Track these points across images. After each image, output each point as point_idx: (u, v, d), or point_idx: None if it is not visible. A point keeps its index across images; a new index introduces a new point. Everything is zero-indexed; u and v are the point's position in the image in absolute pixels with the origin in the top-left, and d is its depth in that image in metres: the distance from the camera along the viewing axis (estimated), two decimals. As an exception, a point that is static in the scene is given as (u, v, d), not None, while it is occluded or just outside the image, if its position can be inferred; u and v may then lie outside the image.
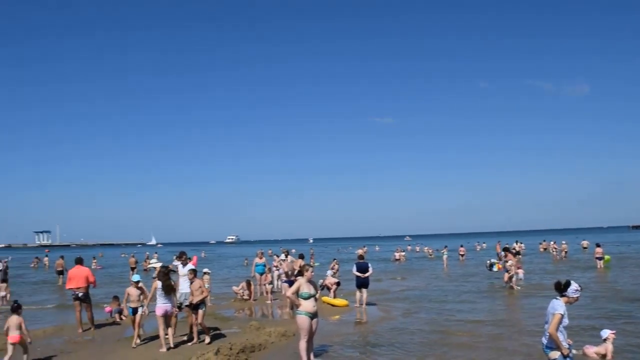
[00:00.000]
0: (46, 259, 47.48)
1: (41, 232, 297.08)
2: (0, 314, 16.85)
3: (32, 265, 46.57)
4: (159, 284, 10.63)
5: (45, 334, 12.87)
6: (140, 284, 11.66)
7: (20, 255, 78.47)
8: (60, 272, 27.71)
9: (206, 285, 13.52)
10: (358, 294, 16.33)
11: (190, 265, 11.88)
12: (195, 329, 11.16)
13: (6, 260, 37.08)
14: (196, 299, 10.88)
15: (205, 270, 17.37)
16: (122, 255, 72.31)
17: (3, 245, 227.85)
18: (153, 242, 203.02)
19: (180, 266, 12.09)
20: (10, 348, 9.20)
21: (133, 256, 36.45)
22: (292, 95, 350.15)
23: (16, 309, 9.57)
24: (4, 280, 19.97)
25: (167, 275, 10.82)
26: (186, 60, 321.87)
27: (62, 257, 30.04)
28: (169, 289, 10.69)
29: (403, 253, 47.34)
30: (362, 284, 16.24)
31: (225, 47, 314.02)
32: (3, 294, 18.79)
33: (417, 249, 64.23)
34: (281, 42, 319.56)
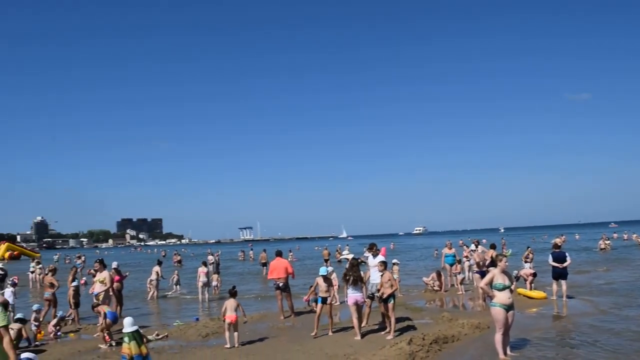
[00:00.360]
0: (251, 252, 51.78)
1: (245, 229, 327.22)
2: (213, 302, 18.89)
3: (240, 258, 51.12)
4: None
5: (252, 320, 14.03)
6: (331, 275, 12.14)
7: (228, 249, 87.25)
8: (264, 264, 29.99)
9: (395, 276, 13.58)
10: (555, 285, 15.16)
11: (380, 257, 12.04)
12: (388, 319, 11.29)
13: (218, 253, 41.46)
14: (386, 293, 10.77)
15: (395, 261, 17.51)
16: (316, 248, 76.22)
17: (213, 241, 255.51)
18: (344, 234, 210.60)
19: (370, 257, 12.34)
20: (228, 327, 10.46)
21: (326, 249, 38.25)
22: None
23: (234, 293, 11.01)
24: (217, 272, 22.30)
25: (355, 267, 11.14)
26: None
27: (264, 250, 32.66)
28: (356, 280, 10.95)
29: (608, 242, 42.82)
30: (559, 275, 15.03)
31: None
32: (215, 283, 21.16)
33: (625, 236, 57.73)
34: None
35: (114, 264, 16.46)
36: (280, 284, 14.28)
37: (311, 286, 13.33)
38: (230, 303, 10.60)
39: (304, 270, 31.53)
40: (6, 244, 74.36)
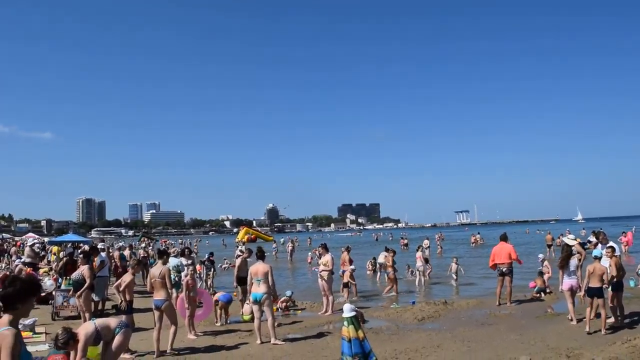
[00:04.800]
0: (478, 235, 50.08)
1: (461, 212, 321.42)
2: (428, 286, 19.05)
3: (473, 243, 49.45)
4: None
5: (469, 305, 13.92)
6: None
7: (446, 233, 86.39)
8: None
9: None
10: None
11: (611, 244, 11.08)
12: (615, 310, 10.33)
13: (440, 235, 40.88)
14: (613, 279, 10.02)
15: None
16: (537, 232, 71.64)
17: (429, 225, 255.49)
18: (579, 217, 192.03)
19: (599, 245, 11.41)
20: None
21: (549, 233, 35.81)
22: None
23: None
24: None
25: (566, 253, 10.75)
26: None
27: (478, 233, 31.84)
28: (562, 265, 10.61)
29: None
30: None
31: None
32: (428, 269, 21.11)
33: None
34: None
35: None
36: (504, 269, 13.85)
37: (541, 273, 12.65)
38: None
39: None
40: (245, 228, 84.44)
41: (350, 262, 16.82)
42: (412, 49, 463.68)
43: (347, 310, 5.94)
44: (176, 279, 12.42)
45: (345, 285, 15.61)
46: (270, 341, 9.85)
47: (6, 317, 3.59)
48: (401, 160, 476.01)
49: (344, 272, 16.25)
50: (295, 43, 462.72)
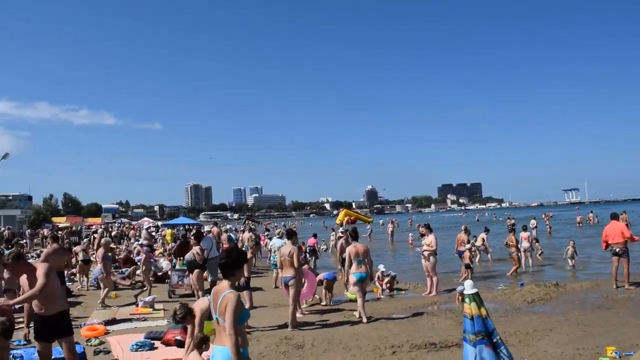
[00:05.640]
0: (590, 214, 47.70)
1: (570, 190, 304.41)
2: (537, 268, 18.27)
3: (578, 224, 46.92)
4: None
5: (582, 288, 13.21)
6: None
7: (557, 212, 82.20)
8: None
9: None
10: None
11: None
12: None
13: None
14: None
15: None
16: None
17: (535, 204, 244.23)
18: None
19: None
20: None
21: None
22: None
23: None
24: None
25: None
26: None
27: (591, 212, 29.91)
28: None
29: None
30: None
31: None
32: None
33: None
34: None
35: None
36: (618, 250, 12.98)
37: None
38: None
39: None
40: (344, 210, 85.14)
41: (467, 241, 16.83)
42: (508, 30, 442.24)
43: (469, 287, 5.85)
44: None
45: (467, 266, 15.39)
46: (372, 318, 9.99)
47: (226, 282, 4.36)
48: (503, 136, 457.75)
49: (460, 252, 16.14)
50: (409, 28, 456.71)
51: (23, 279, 6.02)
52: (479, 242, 20.29)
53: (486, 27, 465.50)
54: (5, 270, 11.66)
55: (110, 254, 19.21)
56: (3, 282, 10.42)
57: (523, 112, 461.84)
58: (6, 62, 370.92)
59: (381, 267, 14.44)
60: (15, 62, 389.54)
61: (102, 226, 49.60)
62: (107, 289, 12.69)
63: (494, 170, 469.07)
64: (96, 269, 13.65)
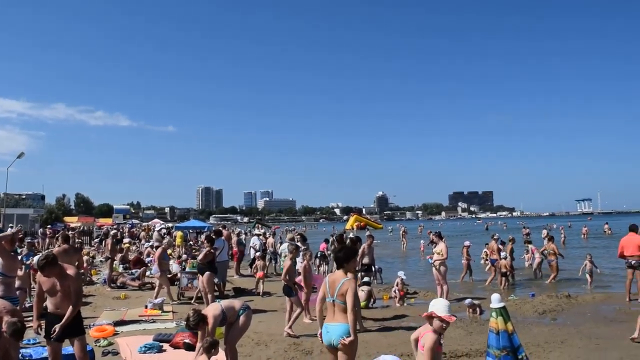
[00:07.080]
0: (604, 228, 46.74)
1: (582, 200, 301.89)
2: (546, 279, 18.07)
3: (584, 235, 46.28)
4: None
5: (594, 300, 13.06)
6: None
7: (565, 223, 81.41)
8: None
9: None
10: None
11: None
12: None
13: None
14: None
15: None
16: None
17: (547, 214, 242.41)
18: None
19: None
20: None
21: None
22: None
23: None
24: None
25: None
26: None
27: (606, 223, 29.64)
28: None
29: None
30: None
31: None
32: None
33: None
34: None
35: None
36: (633, 262, 12.79)
37: None
38: None
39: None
40: (355, 215, 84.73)
41: (499, 251, 16.93)
42: (524, 41, 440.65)
43: (496, 301, 5.75)
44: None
45: (504, 274, 15.23)
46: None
47: (340, 272, 5.43)
48: (514, 147, 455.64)
49: (492, 261, 16.22)
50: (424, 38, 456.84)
51: (44, 279, 6.06)
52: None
53: (500, 37, 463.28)
54: (30, 271, 11.80)
55: (121, 254, 19.30)
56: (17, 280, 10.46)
57: (537, 122, 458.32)
58: (26, 63, 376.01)
59: (401, 274, 14.31)
60: (36, 63, 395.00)
61: (114, 226, 49.88)
62: (164, 286, 13.40)
63: (506, 179, 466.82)
64: (153, 268, 14.34)
